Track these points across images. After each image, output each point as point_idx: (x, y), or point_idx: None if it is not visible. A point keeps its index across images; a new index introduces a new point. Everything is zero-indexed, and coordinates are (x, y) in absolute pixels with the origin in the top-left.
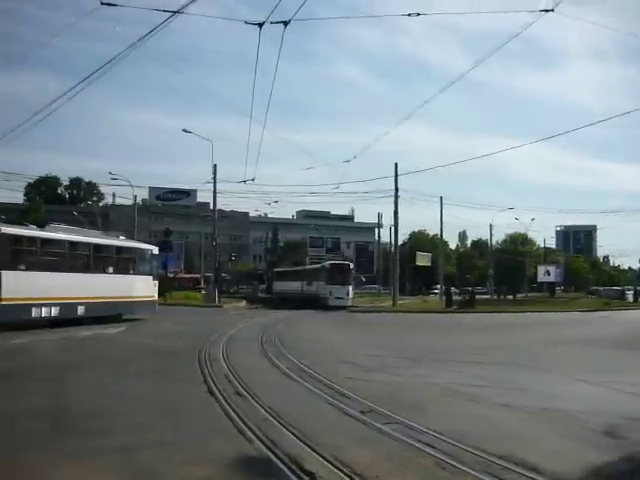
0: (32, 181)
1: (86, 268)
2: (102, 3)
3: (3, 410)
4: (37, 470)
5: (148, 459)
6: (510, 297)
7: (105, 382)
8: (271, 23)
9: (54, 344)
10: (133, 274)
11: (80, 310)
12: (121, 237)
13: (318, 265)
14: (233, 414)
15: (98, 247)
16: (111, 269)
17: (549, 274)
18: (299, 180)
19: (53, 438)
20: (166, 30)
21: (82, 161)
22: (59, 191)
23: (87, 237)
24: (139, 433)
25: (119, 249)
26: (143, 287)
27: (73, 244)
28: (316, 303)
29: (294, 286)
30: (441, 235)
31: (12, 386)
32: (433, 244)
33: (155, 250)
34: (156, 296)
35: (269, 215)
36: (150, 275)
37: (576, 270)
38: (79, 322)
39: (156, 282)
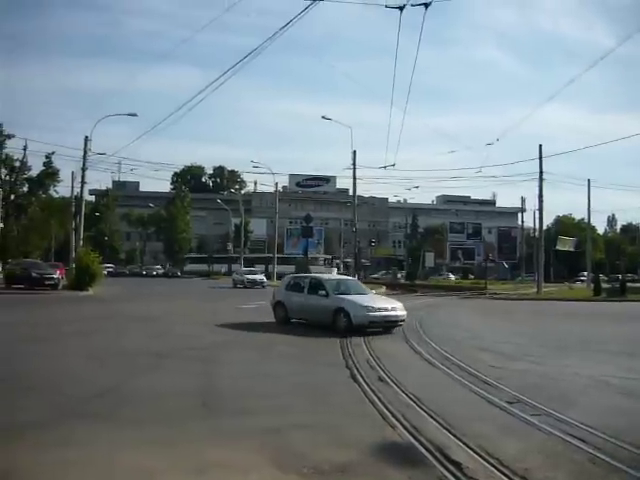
0: (178, 171)
1: None
2: None
3: None
4: None
5: (293, 440)
6: None
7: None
8: (412, 6)
9: None
10: None
11: None
12: None
13: None
14: (376, 399)
15: None
16: None
17: None
18: (439, 164)
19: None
20: (305, 19)
21: (225, 150)
22: (203, 179)
23: None
24: (285, 414)
25: None
26: None
27: None
28: None
29: None
30: (589, 219)
31: None
32: (579, 229)
33: None
34: None
35: (408, 200)
36: None
37: None
38: None
39: None
